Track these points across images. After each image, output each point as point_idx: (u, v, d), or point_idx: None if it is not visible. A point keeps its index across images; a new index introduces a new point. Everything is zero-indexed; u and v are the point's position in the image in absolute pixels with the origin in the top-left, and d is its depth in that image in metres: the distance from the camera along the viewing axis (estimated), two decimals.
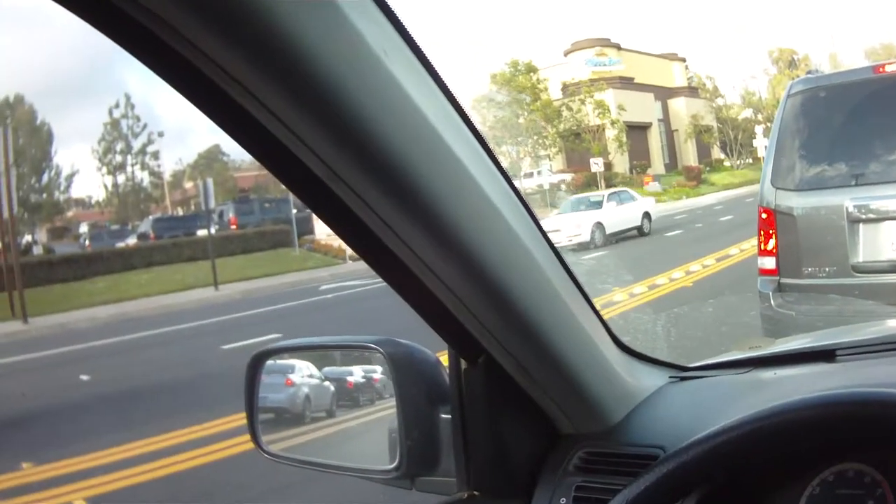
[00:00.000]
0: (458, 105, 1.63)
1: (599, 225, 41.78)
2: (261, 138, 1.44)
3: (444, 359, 2.18)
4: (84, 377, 19.69)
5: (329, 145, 1.43)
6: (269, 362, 2.62)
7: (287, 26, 1.25)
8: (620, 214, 43.46)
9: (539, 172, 69.01)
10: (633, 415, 2.17)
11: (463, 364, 2.05)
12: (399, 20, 1.47)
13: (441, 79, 1.58)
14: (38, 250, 65.49)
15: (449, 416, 2.11)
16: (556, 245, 1.90)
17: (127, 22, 1.24)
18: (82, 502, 10.06)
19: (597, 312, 2.11)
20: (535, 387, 2.02)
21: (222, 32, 1.24)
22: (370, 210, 1.55)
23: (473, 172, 1.63)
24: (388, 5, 1.45)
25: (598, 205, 43.90)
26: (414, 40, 1.51)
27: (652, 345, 10.19)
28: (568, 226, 39.52)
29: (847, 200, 8.26)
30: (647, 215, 46.38)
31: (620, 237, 41.58)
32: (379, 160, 1.46)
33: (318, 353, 2.76)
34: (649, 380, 2.32)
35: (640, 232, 45.03)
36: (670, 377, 2.40)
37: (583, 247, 37.72)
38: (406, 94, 1.46)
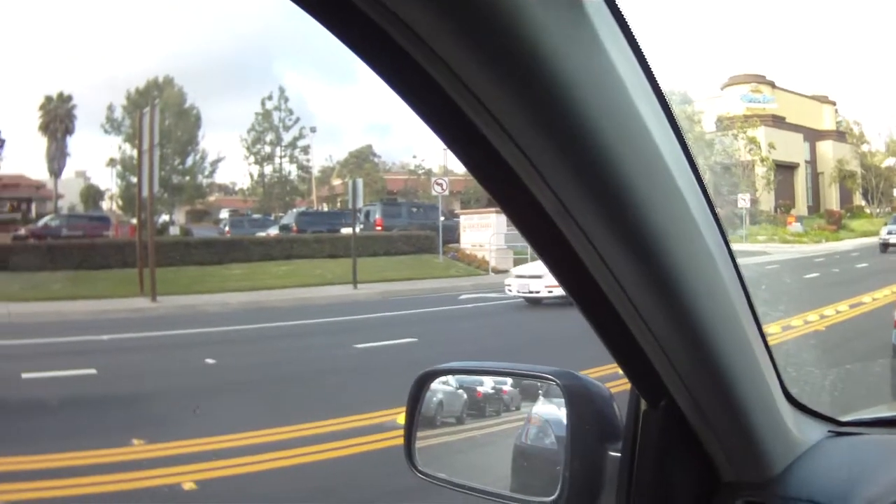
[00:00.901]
0: (686, 144, 1.61)
1: None
2: (495, 164, 1.39)
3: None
4: (210, 361, 19.94)
5: (568, 181, 1.41)
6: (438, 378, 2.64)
7: (551, 55, 1.22)
8: None
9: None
10: (793, 467, 2.13)
11: (643, 405, 2.03)
12: (644, 56, 1.44)
13: (675, 117, 1.57)
14: (174, 231, 66.70)
15: (616, 455, 2.09)
16: None
17: (370, 29, 1.21)
18: (193, 485, 10.18)
19: (773, 359, 2.08)
20: (709, 432, 1.99)
21: (485, 60, 1.21)
22: (590, 245, 1.53)
23: (698, 218, 1.62)
24: (636, 40, 1.41)
25: None
26: (655, 76, 1.48)
27: (816, 397, 10.05)
28: None
29: None
30: None
31: None
32: (613, 197, 1.44)
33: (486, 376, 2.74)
34: (810, 432, 2.28)
35: None
36: (829, 431, 2.36)
37: None
38: (647, 132, 1.43)
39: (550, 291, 28.25)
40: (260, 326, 25.97)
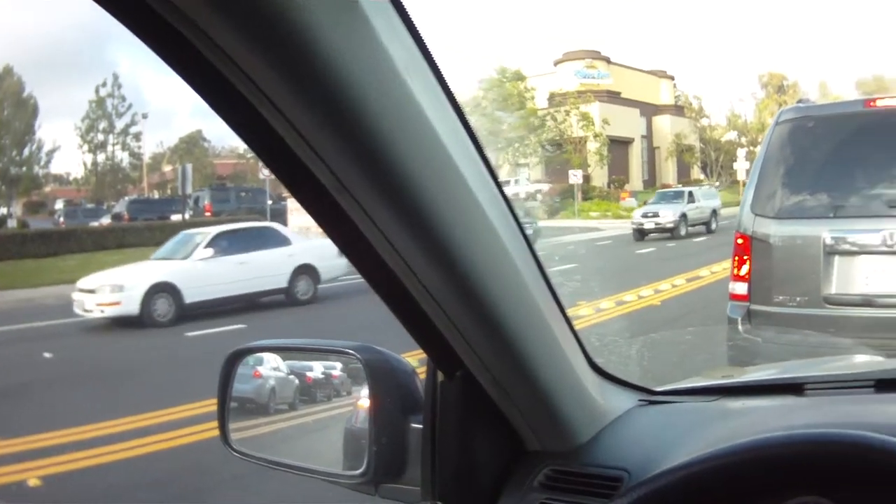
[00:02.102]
0: (469, 125, 1.66)
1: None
2: (273, 144, 1.45)
3: (419, 368, 2.20)
4: (47, 354, 19.61)
5: (341, 157, 1.45)
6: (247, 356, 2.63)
7: (315, 37, 1.26)
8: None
9: (517, 181, 69.00)
10: (600, 436, 2.18)
11: (440, 377, 2.05)
12: (422, 39, 1.49)
13: (455, 99, 1.61)
14: (12, 223, 65.42)
15: (419, 426, 2.11)
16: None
17: (150, 17, 1.25)
18: (37, 481, 10.01)
19: (573, 331, 2.12)
20: (508, 402, 2.02)
21: (249, 36, 1.26)
22: (372, 223, 1.57)
23: (477, 194, 1.65)
24: (413, 24, 1.46)
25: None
26: (434, 59, 1.53)
27: (624, 367, 10.18)
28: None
29: (825, 232, 8.29)
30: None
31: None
32: (389, 176, 1.47)
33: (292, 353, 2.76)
34: (618, 401, 2.33)
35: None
36: (640, 400, 2.41)
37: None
38: (422, 113, 1.47)
39: (102, 311, 23.91)
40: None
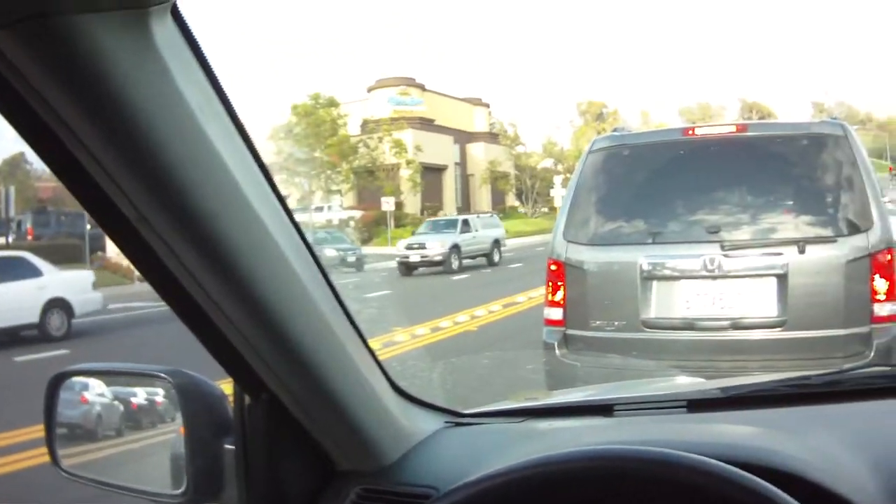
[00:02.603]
0: (259, 158, 1.74)
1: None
2: (80, 176, 1.52)
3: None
4: None
5: (141, 190, 1.51)
6: (68, 380, 2.61)
7: (118, 79, 1.34)
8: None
9: (329, 207, 69.15)
10: (408, 456, 2.28)
11: (247, 399, 2.11)
12: (217, 79, 1.58)
13: (246, 132, 1.69)
14: None
15: (233, 448, 2.16)
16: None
17: None
18: None
19: (374, 355, 2.21)
20: (313, 424, 2.11)
21: (66, 87, 1.34)
22: (170, 251, 1.63)
23: (266, 221, 1.71)
24: (209, 66, 1.55)
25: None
26: (227, 97, 1.62)
27: (430, 391, 10.24)
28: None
29: (641, 258, 8.42)
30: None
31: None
32: (183, 206, 1.54)
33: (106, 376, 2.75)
34: (425, 423, 2.42)
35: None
36: (446, 422, 2.49)
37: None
38: (213, 148, 1.55)
39: None
40: None
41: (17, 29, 1.25)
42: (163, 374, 2.32)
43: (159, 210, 1.53)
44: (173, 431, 2.41)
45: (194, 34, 1.50)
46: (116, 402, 2.68)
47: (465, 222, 47.15)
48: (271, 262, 1.74)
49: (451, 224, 47.58)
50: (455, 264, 42.98)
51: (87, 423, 2.69)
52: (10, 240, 47.36)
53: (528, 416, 2.54)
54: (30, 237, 55.69)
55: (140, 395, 2.64)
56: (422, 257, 43.02)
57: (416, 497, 2.10)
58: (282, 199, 1.80)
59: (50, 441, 2.54)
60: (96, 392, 2.66)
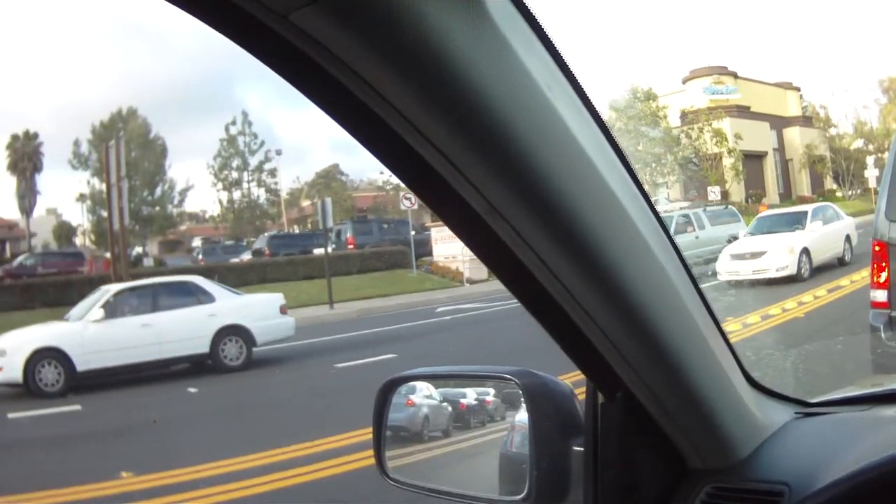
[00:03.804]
0: (613, 139, 1.64)
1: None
2: (419, 170, 1.45)
3: (578, 390, 2.19)
4: (192, 390, 19.93)
5: (491, 179, 1.43)
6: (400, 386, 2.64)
7: (459, 62, 1.26)
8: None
9: (656, 200, 68.50)
10: (760, 450, 2.15)
11: (600, 398, 2.04)
12: (561, 56, 1.48)
13: (598, 113, 1.59)
14: (148, 262, 66.59)
15: (580, 449, 2.11)
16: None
17: (303, 62, 1.27)
18: None
19: (730, 345, 2.10)
20: (670, 421, 2.02)
21: (390, 64, 1.25)
22: (526, 246, 1.56)
23: (628, 208, 1.63)
24: (551, 41, 1.45)
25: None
26: (574, 75, 1.51)
27: (780, 380, 10.02)
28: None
29: None
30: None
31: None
32: (539, 196, 1.46)
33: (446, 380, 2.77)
34: (776, 415, 2.29)
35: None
36: (796, 413, 2.37)
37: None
38: (567, 129, 1.46)
39: None
40: None
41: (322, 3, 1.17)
42: (508, 376, 2.29)
43: (512, 199, 1.47)
44: (503, 430, 2.42)
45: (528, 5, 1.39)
46: (444, 404, 2.69)
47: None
48: (635, 249, 1.68)
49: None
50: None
51: (412, 425, 2.70)
52: (331, 250, 48.35)
53: (875, 403, 2.41)
54: (350, 246, 56.96)
55: (469, 395, 2.63)
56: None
57: (768, 494, 2.00)
58: (637, 181, 1.71)
59: (378, 447, 2.57)
60: (423, 394, 2.68)
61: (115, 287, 24.79)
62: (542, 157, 1.43)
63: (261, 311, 24.91)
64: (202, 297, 24.46)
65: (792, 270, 28.30)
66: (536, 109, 1.39)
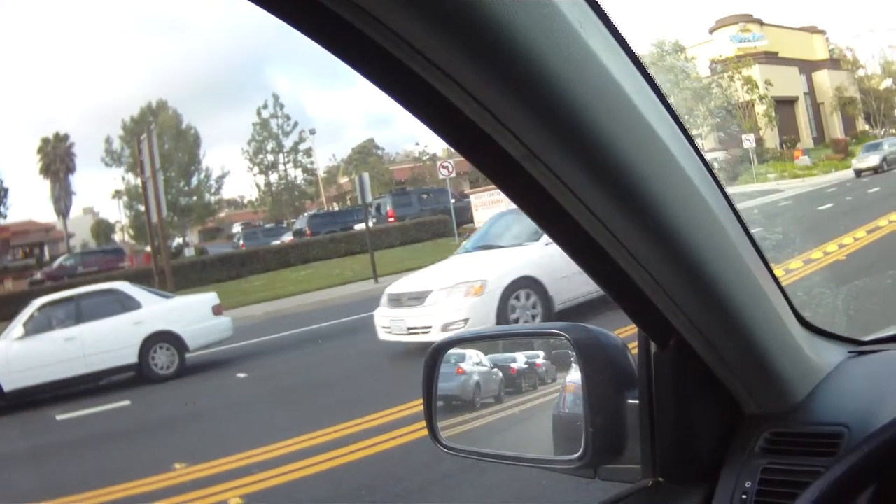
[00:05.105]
0: (652, 79, 1.61)
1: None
2: (455, 121, 1.41)
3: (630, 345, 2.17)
4: (241, 375, 19.99)
5: (528, 123, 1.40)
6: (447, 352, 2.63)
7: (506, 20, 1.23)
8: None
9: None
10: (815, 392, 2.12)
11: (653, 348, 2.02)
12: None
13: (633, 52, 1.57)
14: (189, 252, 66.98)
15: (635, 402, 2.08)
16: None
17: (333, 21, 1.23)
18: (239, 500, 10.24)
19: (781, 287, 2.07)
20: (724, 367, 1.99)
21: (423, 17, 1.22)
22: (567, 190, 1.53)
23: (672, 149, 1.61)
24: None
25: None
26: (605, 13, 1.48)
27: (831, 319, 9.97)
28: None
29: None
30: None
31: None
32: (578, 137, 1.43)
33: (489, 343, 2.76)
34: (829, 356, 2.26)
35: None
36: (849, 352, 2.34)
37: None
38: (603, 67, 1.43)
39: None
40: (286, 334, 25.90)
41: None
42: (558, 331, 2.26)
43: (551, 142, 1.44)
44: (554, 393, 2.39)
45: None
46: (495, 370, 2.66)
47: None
48: (682, 191, 1.65)
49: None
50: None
51: (464, 394, 2.68)
52: (372, 224, 48.10)
53: None
54: (391, 219, 57.22)
55: (519, 360, 2.60)
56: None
57: (827, 437, 1.98)
58: (682, 126, 1.71)
59: (429, 416, 2.55)
60: (473, 362, 2.66)
61: (39, 301, 23.68)
62: (579, 97, 1.39)
63: (192, 314, 23.89)
64: (128, 304, 23.33)
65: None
66: (568, 47, 1.36)
